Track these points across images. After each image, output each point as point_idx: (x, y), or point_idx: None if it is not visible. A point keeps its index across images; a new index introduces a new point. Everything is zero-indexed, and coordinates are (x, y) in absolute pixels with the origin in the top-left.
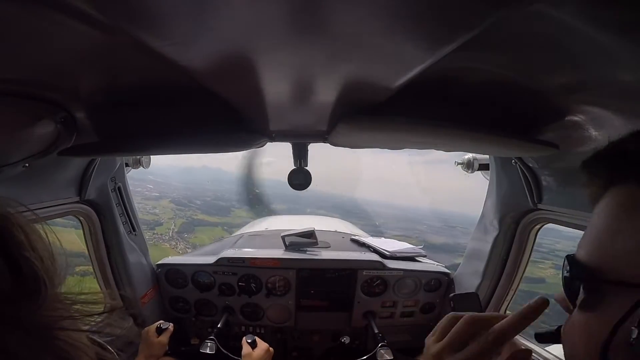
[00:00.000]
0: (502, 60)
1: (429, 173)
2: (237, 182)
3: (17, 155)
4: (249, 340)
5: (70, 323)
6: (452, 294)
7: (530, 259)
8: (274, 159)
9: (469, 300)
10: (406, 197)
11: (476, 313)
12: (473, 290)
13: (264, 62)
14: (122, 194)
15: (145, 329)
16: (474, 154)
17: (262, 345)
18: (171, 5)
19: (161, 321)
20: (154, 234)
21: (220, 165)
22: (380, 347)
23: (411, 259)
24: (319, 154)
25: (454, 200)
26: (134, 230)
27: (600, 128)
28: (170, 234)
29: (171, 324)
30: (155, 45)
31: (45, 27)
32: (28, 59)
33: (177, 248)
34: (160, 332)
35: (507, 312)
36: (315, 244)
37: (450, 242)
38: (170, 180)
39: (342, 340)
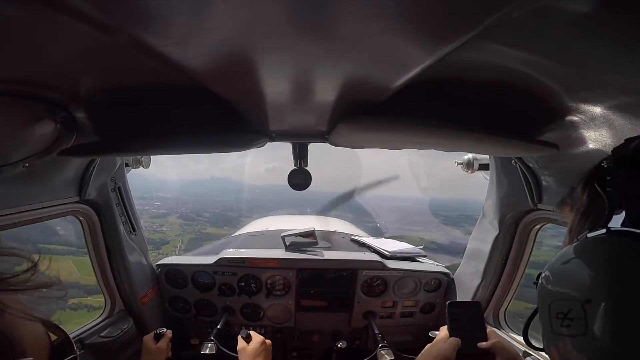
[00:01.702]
0: (502, 61)
1: (433, 163)
2: (245, 191)
3: (17, 155)
4: (243, 335)
5: (4, 297)
6: (449, 301)
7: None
8: (279, 164)
9: (468, 312)
10: (414, 189)
11: None
12: (472, 291)
13: (264, 62)
14: (122, 194)
15: (144, 337)
16: (474, 154)
17: (257, 338)
18: (171, 5)
19: (159, 328)
20: (159, 253)
21: (229, 175)
22: (380, 347)
23: (411, 259)
24: (325, 155)
25: (462, 187)
26: (134, 230)
27: (600, 128)
28: (177, 252)
29: (169, 330)
30: (155, 45)
31: (45, 27)
32: (28, 59)
33: None
34: (158, 338)
35: (507, 312)
36: (315, 244)
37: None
38: (179, 194)
39: (339, 346)
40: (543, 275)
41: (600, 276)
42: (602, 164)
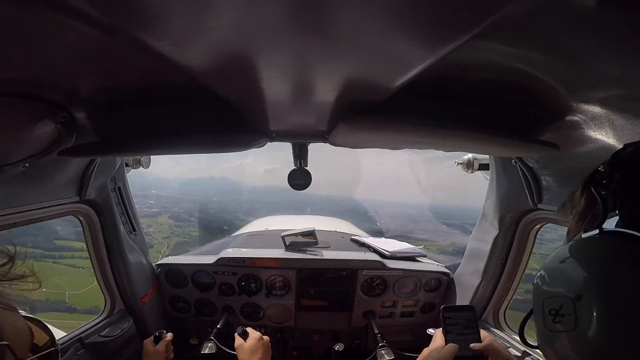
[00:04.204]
0: (502, 60)
1: (434, 169)
2: (242, 192)
3: (17, 155)
4: (240, 332)
5: None
6: (443, 305)
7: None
8: (278, 165)
9: (463, 316)
10: (418, 194)
11: None
12: (472, 291)
13: (264, 62)
14: (122, 194)
15: (144, 341)
16: (474, 154)
17: (253, 334)
18: (171, 4)
19: (159, 327)
20: None
21: (228, 175)
22: (380, 347)
23: (411, 258)
24: (325, 156)
25: (467, 194)
26: (134, 230)
27: (600, 128)
28: (160, 257)
29: (169, 333)
30: (155, 45)
31: (45, 27)
32: (28, 59)
33: None
34: (157, 340)
35: (507, 312)
36: (315, 243)
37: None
38: (175, 192)
39: (336, 349)
40: (538, 274)
41: (591, 273)
42: (599, 168)
